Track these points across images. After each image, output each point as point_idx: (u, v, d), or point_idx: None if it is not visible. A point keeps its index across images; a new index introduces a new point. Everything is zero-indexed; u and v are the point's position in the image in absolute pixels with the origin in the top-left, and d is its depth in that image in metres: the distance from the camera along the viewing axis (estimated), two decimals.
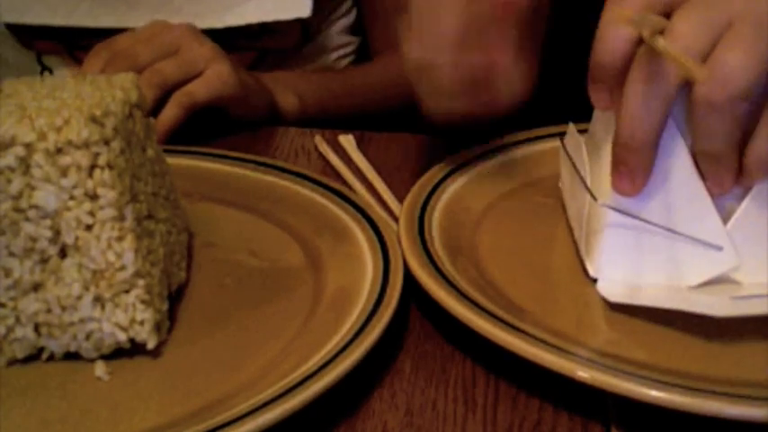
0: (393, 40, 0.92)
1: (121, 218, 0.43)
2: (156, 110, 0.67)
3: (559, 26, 1.00)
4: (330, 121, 0.81)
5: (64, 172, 0.41)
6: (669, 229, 0.47)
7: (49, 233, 0.42)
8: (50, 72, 0.86)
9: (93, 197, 0.42)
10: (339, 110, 0.84)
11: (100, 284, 0.43)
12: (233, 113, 0.73)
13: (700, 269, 0.48)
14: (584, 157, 0.51)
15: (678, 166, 0.47)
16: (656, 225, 0.48)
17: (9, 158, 0.41)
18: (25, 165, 0.41)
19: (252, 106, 0.74)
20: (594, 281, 0.50)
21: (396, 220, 0.56)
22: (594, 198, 0.49)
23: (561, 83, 0.99)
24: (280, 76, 0.83)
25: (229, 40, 0.82)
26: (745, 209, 0.47)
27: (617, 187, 0.47)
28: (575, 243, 0.53)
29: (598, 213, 0.49)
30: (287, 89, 0.81)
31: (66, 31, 0.83)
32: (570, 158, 0.54)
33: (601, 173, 0.50)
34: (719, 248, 0.47)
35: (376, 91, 0.88)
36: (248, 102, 0.74)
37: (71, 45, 0.84)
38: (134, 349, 0.44)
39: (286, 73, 0.86)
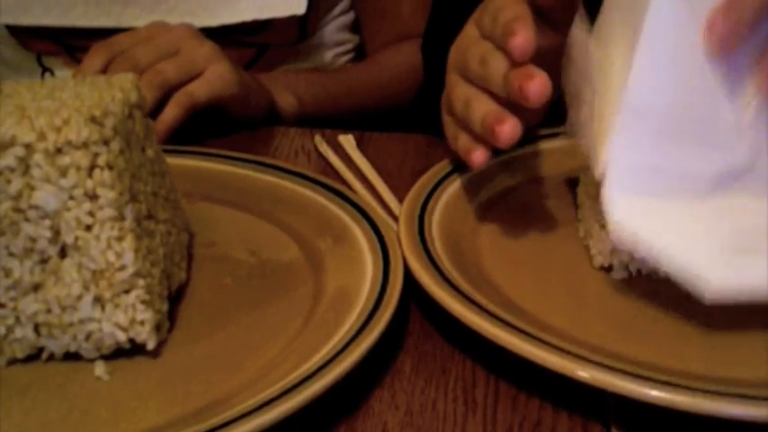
0: (388, 39, 0.93)
1: (121, 218, 0.43)
2: (156, 110, 0.67)
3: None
4: (329, 120, 0.81)
5: (63, 172, 0.41)
6: (683, 130, 0.46)
7: (48, 233, 0.42)
8: (51, 73, 0.86)
9: (93, 197, 0.42)
10: (336, 109, 0.85)
11: (100, 284, 0.43)
12: (233, 114, 0.73)
13: (711, 170, 0.46)
14: (592, 56, 0.49)
15: (693, 67, 0.45)
16: (668, 126, 0.46)
17: (9, 159, 0.41)
18: (25, 165, 0.41)
19: (252, 106, 0.75)
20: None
21: (396, 220, 0.56)
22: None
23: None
24: (278, 76, 0.84)
25: (227, 35, 0.82)
26: (760, 111, 0.45)
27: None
28: (575, 243, 0.53)
29: (607, 118, 0.48)
30: (285, 89, 0.81)
31: (64, 31, 0.83)
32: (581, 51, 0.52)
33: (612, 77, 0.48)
34: (733, 149, 0.46)
35: (373, 90, 0.88)
36: (248, 102, 0.74)
37: (70, 47, 0.84)
38: (134, 349, 0.44)
39: (284, 73, 0.86)
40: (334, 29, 0.92)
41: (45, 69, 0.86)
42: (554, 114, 0.66)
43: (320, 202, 0.57)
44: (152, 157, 0.48)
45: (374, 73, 0.90)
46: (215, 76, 0.70)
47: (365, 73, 0.90)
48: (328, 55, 0.92)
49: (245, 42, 0.86)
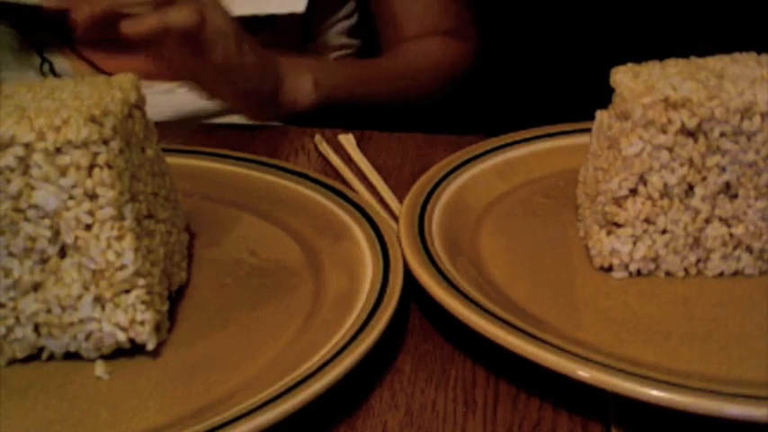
0: (401, 40, 0.92)
1: (121, 217, 0.43)
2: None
3: (558, 29, 1.00)
4: (331, 119, 0.80)
5: (63, 172, 0.41)
6: None
7: (48, 233, 0.42)
8: (51, 65, 0.86)
9: (93, 197, 0.42)
10: (352, 97, 0.81)
11: (100, 284, 0.43)
12: (232, 89, 0.71)
13: None
14: None
15: None
16: None
17: (8, 158, 0.41)
18: (24, 165, 0.41)
19: (250, 79, 0.71)
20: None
21: (396, 220, 0.56)
22: None
23: (560, 83, 0.99)
24: (294, 59, 0.81)
25: None
26: None
27: None
28: (575, 242, 0.53)
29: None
30: (302, 71, 0.77)
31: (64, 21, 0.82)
32: None
33: None
34: None
35: (390, 81, 0.86)
36: (245, 71, 0.70)
37: (70, 37, 0.84)
38: (134, 349, 0.44)
39: (301, 57, 0.84)
40: (336, 33, 0.92)
41: (44, 60, 0.86)
42: (554, 114, 0.66)
43: (320, 202, 0.57)
44: (152, 157, 0.48)
45: (389, 66, 0.89)
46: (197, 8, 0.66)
47: (380, 66, 0.89)
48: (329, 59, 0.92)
49: None
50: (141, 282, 0.43)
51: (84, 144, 0.41)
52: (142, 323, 0.43)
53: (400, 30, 0.92)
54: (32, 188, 0.42)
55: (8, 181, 0.41)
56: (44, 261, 0.43)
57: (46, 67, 0.86)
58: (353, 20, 0.94)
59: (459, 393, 0.44)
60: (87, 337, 0.43)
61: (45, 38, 0.85)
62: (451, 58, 0.91)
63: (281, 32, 0.85)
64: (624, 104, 0.49)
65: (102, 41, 0.83)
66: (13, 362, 0.44)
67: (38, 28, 0.84)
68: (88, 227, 0.42)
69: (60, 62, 0.86)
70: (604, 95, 0.52)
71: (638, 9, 0.93)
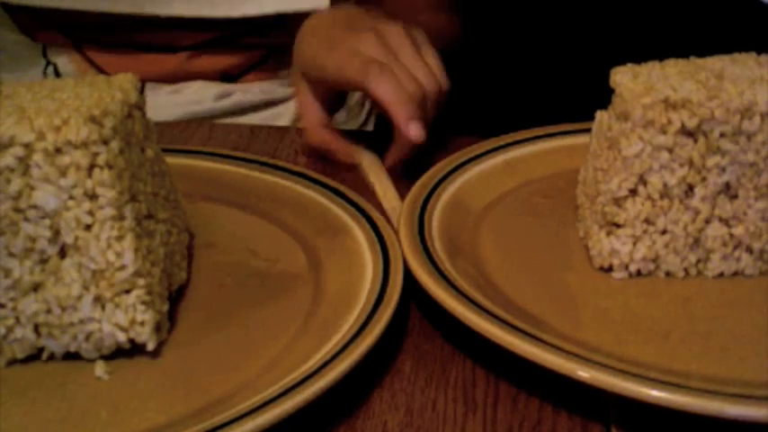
0: (395, 12, 0.92)
1: (121, 217, 0.43)
2: None
3: (557, 29, 1.00)
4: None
5: (63, 172, 0.41)
6: None
7: (48, 233, 0.42)
8: (55, 67, 0.86)
9: (93, 197, 0.42)
10: None
11: (100, 284, 0.43)
12: None
13: None
14: None
15: None
16: None
17: (8, 159, 0.41)
18: (24, 165, 0.41)
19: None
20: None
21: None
22: None
23: (560, 83, 0.99)
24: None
25: (238, 37, 0.81)
26: None
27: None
28: (575, 243, 0.53)
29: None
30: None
31: (73, 24, 0.81)
32: None
33: None
34: None
35: None
36: None
37: (78, 39, 0.83)
38: (134, 349, 0.44)
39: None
40: None
41: (49, 63, 0.86)
42: (554, 114, 0.66)
43: (320, 202, 0.57)
44: (152, 157, 0.48)
45: None
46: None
47: None
48: None
49: (257, 44, 0.85)
50: (141, 282, 0.43)
51: (84, 144, 0.41)
52: (142, 323, 0.43)
53: (392, 8, 0.92)
54: (32, 188, 0.42)
55: (8, 181, 0.41)
56: (44, 261, 0.43)
57: (50, 69, 0.86)
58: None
59: (459, 393, 0.44)
60: (87, 338, 0.43)
61: (51, 39, 0.84)
62: (442, 29, 0.90)
63: (292, 32, 0.85)
64: (624, 105, 0.49)
65: (111, 44, 0.82)
66: (13, 362, 0.44)
67: (44, 29, 0.83)
68: (88, 227, 0.42)
69: (64, 65, 0.85)
70: (604, 95, 0.52)
71: (637, 9, 0.93)
